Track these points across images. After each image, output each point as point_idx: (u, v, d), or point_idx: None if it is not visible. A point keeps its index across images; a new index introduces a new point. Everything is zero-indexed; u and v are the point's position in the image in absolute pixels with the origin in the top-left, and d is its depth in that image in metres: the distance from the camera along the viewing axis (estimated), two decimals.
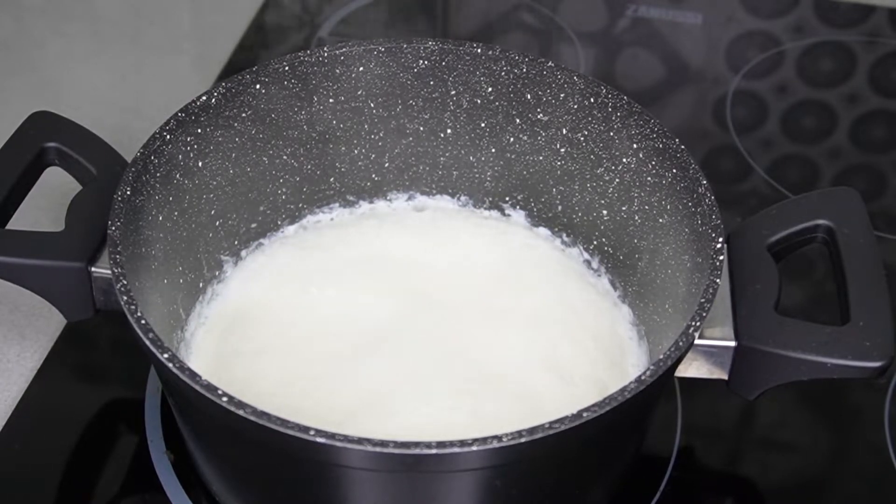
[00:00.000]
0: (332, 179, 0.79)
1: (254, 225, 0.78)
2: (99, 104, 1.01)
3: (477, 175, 0.80)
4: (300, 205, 0.79)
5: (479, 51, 0.76)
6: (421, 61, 0.77)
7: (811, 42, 1.10)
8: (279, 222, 0.79)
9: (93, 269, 0.67)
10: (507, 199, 0.80)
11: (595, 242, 0.78)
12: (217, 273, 0.76)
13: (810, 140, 1.00)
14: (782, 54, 1.08)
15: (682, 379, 0.70)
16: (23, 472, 0.73)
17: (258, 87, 0.73)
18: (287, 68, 0.74)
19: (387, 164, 0.80)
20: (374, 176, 0.80)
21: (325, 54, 0.75)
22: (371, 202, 0.81)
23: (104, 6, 1.13)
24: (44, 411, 0.76)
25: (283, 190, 0.78)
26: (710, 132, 1.01)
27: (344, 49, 0.75)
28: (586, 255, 0.78)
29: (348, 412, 0.68)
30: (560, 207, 0.79)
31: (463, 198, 0.81)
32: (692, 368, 0.67)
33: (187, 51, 1.09)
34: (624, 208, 0.74)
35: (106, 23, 1.11)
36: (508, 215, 0.81)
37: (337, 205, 0.81)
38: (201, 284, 0.75)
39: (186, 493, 0.71)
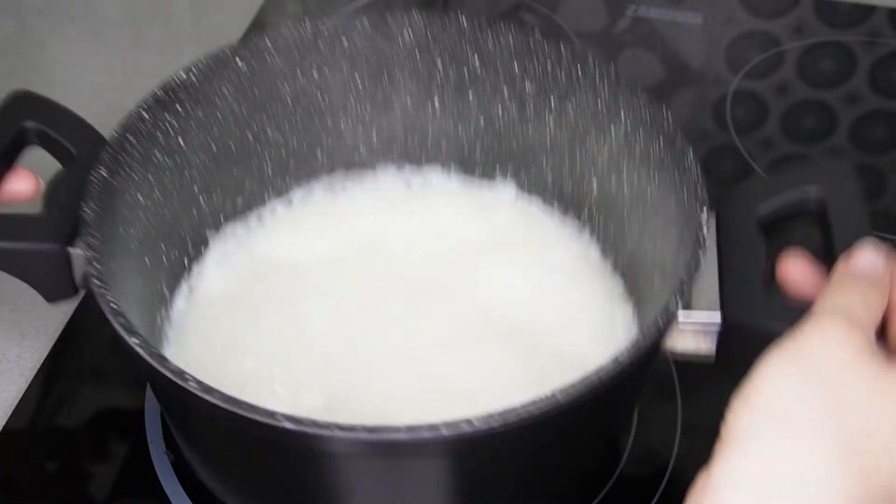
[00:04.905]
0: (318, 153, 0.79)
1: (239, 200, 0.77)
2: (99, 104, 0.99)
3: (466, 146, 0.79)
4: (287, 179, 0.78)
5: (464, 22, 0.74)
6: (406, 32, 0.75)
7: (811, 42, 1.08)
8: (265, 197, 0.78)
9: (71, 249, 0.67)
10: (497, 169, 0.79)
11: (586, 213, 0.77)
12: (202, 249, 0.75)
13: (810, 140, 0.99)
14: (782, 54, 1.07)
15: (682, 378, 0.69)
16: (23, 472, 0.73)
17: (239, 62, 0.73)
18: (269, 44, 0.73)
19: (374, 137, 0.79)
20: (361, 149, 0.79)
21: (308, 29, 0.74)
22: (359, 175, 0.80)
23: (104, 6, 1.13)
24: (44, 411, 0.76)
25: (269, 165, 0.77)
26: (710, 132, 0.99)
27: (327, 23, 0.74)
28: (577, 226, 0.77)
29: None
30: (550, 178, 0.78)
31: (452, 169, 0.80)
32: (678, 345, 0.66)
33: (187, 51, 1.08)
34: (613, 179, 0.73)
35: (106, 23, 1.11)
36: (498, 186, 0.80)
37: (324, 178, 0.80)
38: (186, 262, 0.74)
39: (186, 493, 0.70)
